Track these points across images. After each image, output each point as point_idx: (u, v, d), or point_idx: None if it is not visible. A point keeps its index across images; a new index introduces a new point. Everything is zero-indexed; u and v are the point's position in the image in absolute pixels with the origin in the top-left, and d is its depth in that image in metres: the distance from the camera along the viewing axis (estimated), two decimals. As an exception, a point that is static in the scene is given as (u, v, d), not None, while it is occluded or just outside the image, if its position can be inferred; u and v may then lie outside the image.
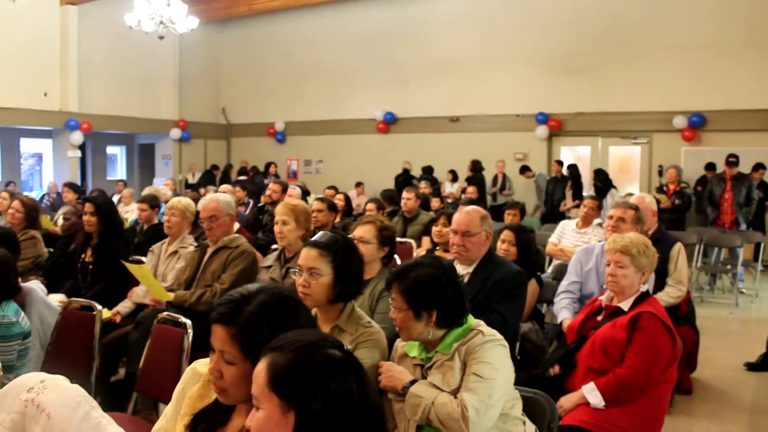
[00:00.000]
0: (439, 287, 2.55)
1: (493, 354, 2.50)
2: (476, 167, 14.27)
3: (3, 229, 5.03)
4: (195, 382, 2.05)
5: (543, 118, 14.92)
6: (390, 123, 16.94)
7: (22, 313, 3.59)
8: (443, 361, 2.55)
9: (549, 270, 6.34)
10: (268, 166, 16.30)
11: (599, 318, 3.58)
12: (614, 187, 12.64)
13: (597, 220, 6.74)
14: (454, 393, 2.46)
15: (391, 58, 16.70)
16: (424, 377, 2.58)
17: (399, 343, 2.75)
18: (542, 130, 14.99)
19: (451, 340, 2.57)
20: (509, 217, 7.11)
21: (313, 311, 2.78)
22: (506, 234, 4.84)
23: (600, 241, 4.94)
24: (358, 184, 15.38)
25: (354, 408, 1.51)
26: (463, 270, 3.69)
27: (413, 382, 2.53)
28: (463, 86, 15.75)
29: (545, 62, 14.89)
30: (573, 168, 13.48)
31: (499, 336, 2.59)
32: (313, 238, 2.84)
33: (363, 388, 1.54)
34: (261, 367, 1.55)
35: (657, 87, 13.59)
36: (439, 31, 16.03)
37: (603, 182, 12.59)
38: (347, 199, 8.20)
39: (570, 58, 14.56)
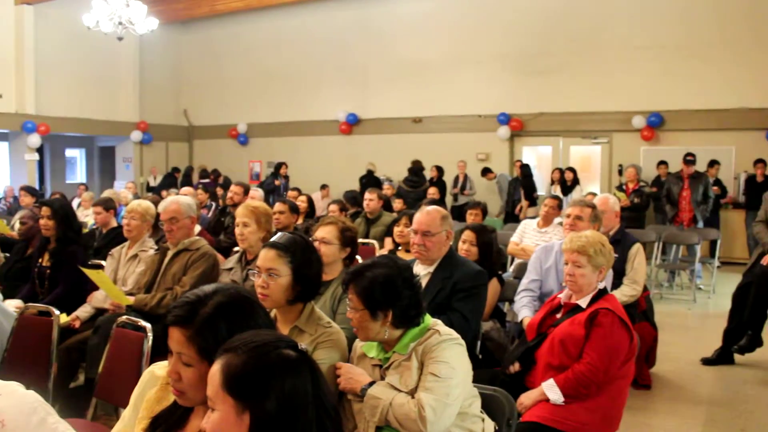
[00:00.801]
0: (394, 287, 2.57)
1: (449, 353, 2.52)
2: (417, 168, 14.42)
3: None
4: (153, 385, 2.05)
5: (505, 119, 15.06)
6: (353, 124, 16.95)
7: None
8: (400, 361, 2.57)
9: (511, 269, 6.40)
10: (279, 166, 15.77)
11: (558, 315, 3.63)
12: (578, 184, 12.78)
13: (558, 219, 6.82)
14: (412, 393, 2.48)
15: (353, 59, 16.72)
16: (383, 378, 2.59)
17: (358, 344, 2.77)
18: (504, 131, 15.14)
19: (408, 340, 2.59)
20: (471, 216, 7.16)
21: (273, 313, 2.78)
22: (467, 234, 4.87)
23: (560, 240, 5.00)
24: (323, 187, 15.33)
25: (309, 408, 1.51)
26: (423, 270, 3.72)
27: (372, 383, 2.54)
28: (426, 87, 15.84)
29: (507, 63, 15.04)
30: (525, 168, 13.62)
31: (455, 335, 2.62)
32: (272, 239, 2.84)
33: (318, 388, 1.55)
34: (215, 369, 1.54)
35: (617, 87, 13.82)
36: (402, 32, 16.11)
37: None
38: (310, 201, 8.18)
39: (532, 58, 14.73)
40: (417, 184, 13.37)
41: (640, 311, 5.37)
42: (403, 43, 16.08)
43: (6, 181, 16.84)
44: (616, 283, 4.98)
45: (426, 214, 3.80)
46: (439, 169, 14.23)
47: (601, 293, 3.54)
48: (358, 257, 4.19)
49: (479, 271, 3.73)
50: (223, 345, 1.59)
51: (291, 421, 1.49)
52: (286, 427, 1.48)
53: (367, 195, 7.64)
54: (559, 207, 7.02)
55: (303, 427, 1.50)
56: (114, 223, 6.54)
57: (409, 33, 16.03)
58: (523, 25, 14.78)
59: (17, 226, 8.53)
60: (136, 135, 18.42)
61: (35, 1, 15.48)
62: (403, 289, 2.58)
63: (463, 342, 2.62)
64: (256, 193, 8.10)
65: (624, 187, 11.48)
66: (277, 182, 14.85)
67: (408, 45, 16.02)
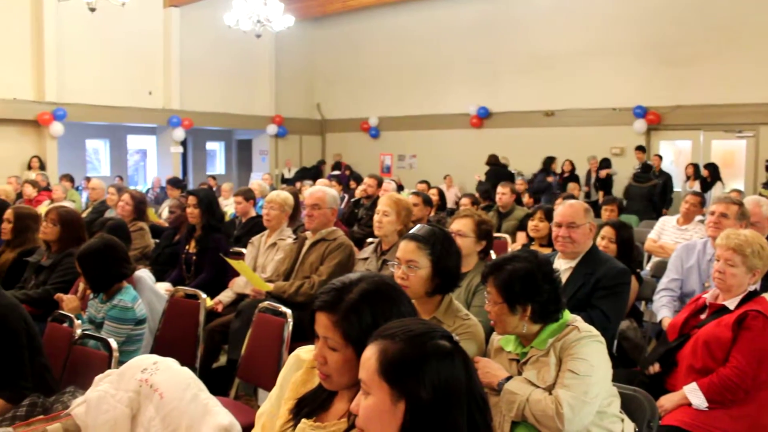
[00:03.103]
0: (534, 282, 2.54)
1: (589, 350, 2.47)
2: (494, 161, 14.29)
3: (116, 221, 5.30)
4: (298, 368, 2.12)
5: (641, 112, 14.49)
6: (483, 118, 16.81)
7: (140, 301, 3.80)
8: (538, 356, 2.54)
9: (648, 267, 6.18)
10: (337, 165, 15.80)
11: (703, 316, 3.46)
12: (720, 181, 12.14)
13: (699, 217, 6.52)
14: (549, 389, 2.45)
15: (484, 52, 16.55)
16: (520, 372, 2.58)
17: (495, 337, 2.76)
18: (640, 124, 14.56)
19: (546, 335, 2.56)
20: (606, 213, 6.97)
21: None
22: (606, 230, 4.73)
23: (702, 238, 4.78)
24: (446, 177, 15.37)
25: (462, 398, 1.52)
26: (565, 265, 3.64)
27: (508, 378, 2.53)
28: (558, 79, 15.46)
29: (643, 53, 14.42)
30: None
31: (595, 332, 2.56)
32: (411, 231, 2.88)
33: (471, 379, 1.56)
34: (370, 354, 1.57)
35: (763, 77, 12.95)
36: (534, 24, 15.80)
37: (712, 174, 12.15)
38: (441, 194, 8.21)
39: (669, 48, 14.05)
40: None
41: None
42: (535, 35, 15.76)
43: (153, 173, 17.94)
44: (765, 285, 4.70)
45: (569, 206, 3.75)
46: (571, 164, 13.94)
47: (751, 295, 3.35)
48: (491, 252, 4.18)
49: (623, 269, 3.62)
50: (377, 331, 1.63)
51: (445, 411, 1.50)
52: (439, 417, 1.50)
53: (500, 189, 7.57)
54: (701, 204, 6.71)
55: (456, 418, 1.51)
56: (253, 213, 6.79)
57: (540, 24, 15.70)
58: (660, 13, 14.12)
59: (164, 214, 9.08)
60: (272, 128, 19.08)
61: (181, 3, 16.33)
62: (543, 283, 2.55)
63: (603, 339, 2.57)
64: (389, 185, 8.20)
65: (772, 184, 10.81)
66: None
67: (539, 36, 15.69)
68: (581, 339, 2.49)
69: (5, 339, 3.01)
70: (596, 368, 2.45)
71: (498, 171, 14.32)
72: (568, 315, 2.61)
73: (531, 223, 5.73)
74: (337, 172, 15.96)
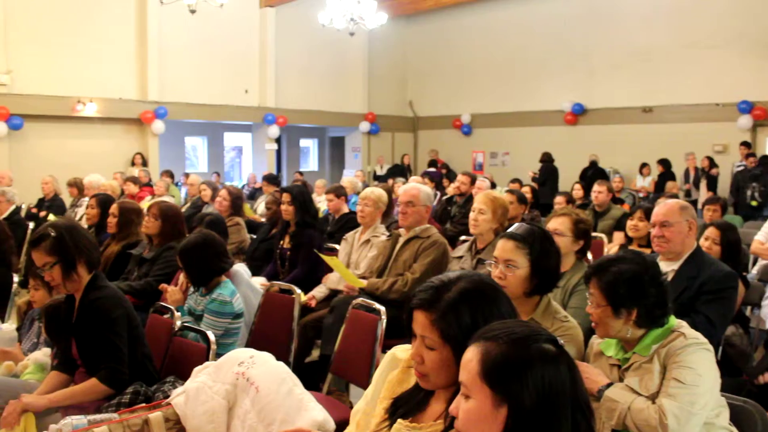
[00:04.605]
0: (641, 284, 2.43)
1: (696, 358, 2.36)
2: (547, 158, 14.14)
3: (213, 216, 5.43)
4: (394, 367, 2.09)
5: (747, 107, 13.86)
6: (578, 114, 16.44)
7: (238, 295, 3.88)
8: (641, 363, 2.44)
9: (754, 270, 5.89)
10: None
11: (818, 324, 3.27)
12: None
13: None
14: (652, 398, 2.34)
15: (579, 46, 16.19)
16: (621, 378, 2.48)
17: (595, 340, 2.67)
18: (745, 120, 13.92)
19: (650, 341, 2.45)
20: (709, 213, 6.67)
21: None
22: (710, 231, 4.53)
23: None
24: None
25: (566, 404, 1.47)
26: (667, 267, 3.49)
27: (609, 385, 2.44)
28: (657, 74, 14.96)
29: (748, 45, 13.78)
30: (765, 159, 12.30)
31: (702, 339, 2.44)
32: (510, 230, 2.82)
33: (575, 384, 1.50)
34: (471, 356, 1.54)
35: None
36: (630, 17, 15.33)
37: None
38: (534, 192, 8.07)
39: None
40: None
41: None
42: (632, 27, 15.29)
43: (249, 169, 18.38)
44: None
45: (664, 205, 3.65)
46: (665, 162, 13.47)
47: None
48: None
49: (729, 273, 3.45)
50: (479, 332, 1.59)
51: (548, 418, 1.45)
52: (542, 424, 1.45)
53: (596, 187, 7.37)
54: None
55: (560, 425, 1.46)
56: (345, 209, 6.84)
57: (637, 16, 15.22)
58: (766, 3, 13.45)
59: (259, 209, 9.28)
60: (365, 125, 19.23)
61: (276, 3, 16.65)
62: (650, 287, 2.44)
63: (710, 347, 2.44)
64: (483, 183, 8.11)
65: None
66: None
67: (637, 29, 15.20)
68: (688, 346, 2.38)
69: (105, 325, 3.11)
70: (704, 377, 2.33)
71: (551, 168, 14.33)
72: (673, 320, 2.50)
73: (630, 223, 5.55)
74: (432, 169, 15.93)
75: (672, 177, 13.34)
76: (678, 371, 2.33)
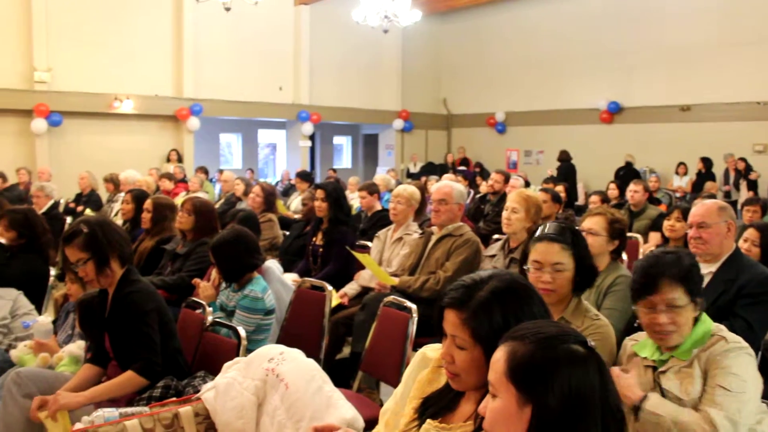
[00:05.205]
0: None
1: (739, 363, 2.28)
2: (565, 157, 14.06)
3: (246, 212, 5.45)
4: (424, 367, 2.07)
5: (790, 106, 13.55)
6: (614, 113, 16.21)
7: (269, 292, 3.89)
8: (680, 367, 2.36)
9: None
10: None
11: None
12: None
13: None
14: (693, 403, 2.28)
15: (615, 43, 15.93)
16: (657, 381, 2.40)
17: (628, 342, 2.60)
18: (789, 119, 13.62)
19: (690, 345, 2.37)
20: (748, 214, 6.53)
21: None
22: (750, 232, 4.42)
23: None
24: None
25: (595, 409, 1.43)
26: (705, 269, 3.39)
27: (644, 397, 2.35)
28: (695, 72, 14.67)
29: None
30: None
31: (744, 343, 2.36)
32: (546, 231, 2.76)
33: (606, 388, 1.46)
34: (499, 355, 1.52)
35: None
36: (668, 13, 15.05)
37: None
38: (568, 191, 7.98)
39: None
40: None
41: None
42: (670, 24, 15.01)
43: (282, 166, 18.48)
44: None
45: (701, 205, 3.57)
46: (707, 161, 13.24)
47: None
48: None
49: (770, 276, 3.35)
50: (509, 332, 1.56)
51: (574, 422, 1.42)
52: (568, 427, 1.42)
53: (632, 186, 7.27)
54: None
55: (587, 429, 1.42)
56: (378, 207, 6.82)
57: (674, 13, 14.92)
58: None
59: (292, 206, 9.31)
60: (398, 123, 19.22)
61: (311, 1, 16.74)
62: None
63: (752, 351, 2.36)
64: (517, 182, 8.05)
65: None
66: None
67: (674, 26, 14.92)
68: (730, 351, 2.30)
69: (138, 318, 3.14)
70: (748, 383, 2.25)
71: (569, 167, 14.32)
72: (710, 323, 2.42)
73: (667, 223, 5.44)
74: (463, 168, 15.87)
75: (711, 177, 13.14)
76: (722, 377, 2.25)
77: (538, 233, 2.82)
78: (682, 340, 2.38)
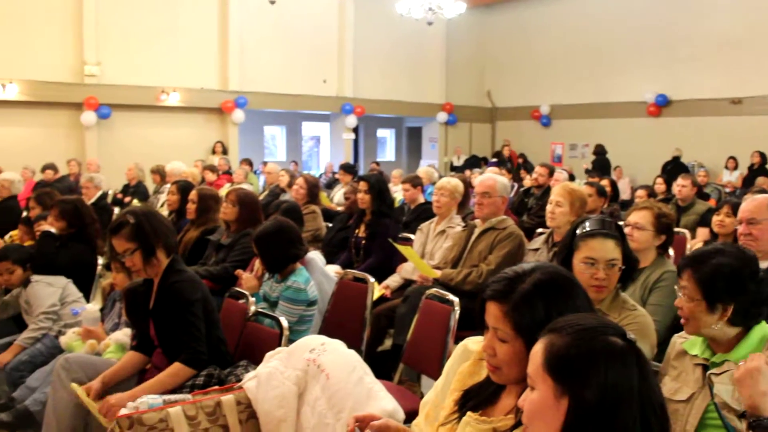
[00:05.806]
0: (740, 279, 2.25)
1: None
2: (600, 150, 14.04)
3: (289, 203, 5.48)
4: (465, 359, 2.05)
5: None
6: (662, 106, 15.90)
7: (312, 283, 3.91)
8: None
9: None
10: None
11: None
12: None
13: None
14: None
15: (663, 35, 15.61)
16: (709, 382, 2.32)
17: (677, 339, 2.51)
18: None
19: (747, 350, 2.26)
20: (801, 209, 6.34)
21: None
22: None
23: None
24: (615, 168, 14.76)
25: (633, 403, 1.40)
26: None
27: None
28: (747, 64, 14.28)
29: None
30: None
31: None
32: (593, 227, 2.73)
33: (645, 382, 1.43)
34: (538, 347, 1.50)
35: None
36: (717, 4, 14.67)
37: None
38: (614, 185, 7.85)
39: None
40: None
41: None
42: (718, 16, 14.63)
43: (326, 158, 18.57)
44: None
45: (751, 201, 3.48)
46: (763, 155, 12.93)
47: None
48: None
49: (830, 275, 3.25)
50: (549, 324, 1.54)
51: (611, 415, 1.39)
52: (604, 421, 1.39)
53: (680, 181, 7.13)
54: None
55: (624, 424, 1.39)
56: (421, 199, 6.80)
57: (723, 3, 14.55)
58: None
59: (336, 198, 9.34)
60: (442, 116, 19.14)
61: (355, -7, 16.79)
62: (750, 282, 2.29)
63: None
64: (561, 175, 7.96)
65: None
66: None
67: (723, 17, 14.54)
68: None
69: (183, 308, 3.18)
70: None
71: (603, 161, 14.28)
72: (766, 327, 2.34)
73: (716, 218, 5.32)
74: (494, 160, 15.79)
75: (765, 172, 12.80)
76: None
77: (587, 228, 2.77)
78: (695, 332, 2.32)
